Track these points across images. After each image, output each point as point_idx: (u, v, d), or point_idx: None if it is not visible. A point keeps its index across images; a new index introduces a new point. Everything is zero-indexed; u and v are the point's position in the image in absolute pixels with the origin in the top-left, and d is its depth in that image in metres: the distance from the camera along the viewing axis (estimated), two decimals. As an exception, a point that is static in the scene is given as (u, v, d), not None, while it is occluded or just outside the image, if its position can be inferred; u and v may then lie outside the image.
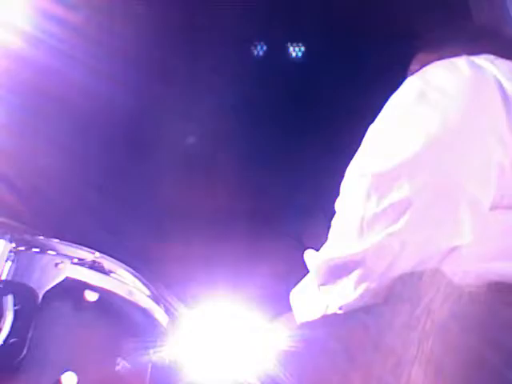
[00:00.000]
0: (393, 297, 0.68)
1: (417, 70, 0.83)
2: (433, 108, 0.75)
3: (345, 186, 0.80)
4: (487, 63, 0.78)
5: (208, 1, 1.84)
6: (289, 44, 1.97)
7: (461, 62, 0.79)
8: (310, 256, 0.83)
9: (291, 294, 0.86)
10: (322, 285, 0.76)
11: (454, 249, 0.68)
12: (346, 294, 0.72)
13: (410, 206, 0.69)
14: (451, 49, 0.85)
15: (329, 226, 0.81)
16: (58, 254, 0.77)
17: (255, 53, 1.98)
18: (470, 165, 0.72)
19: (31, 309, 0.71)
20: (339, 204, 0.80)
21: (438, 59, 0.82)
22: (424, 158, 0.72)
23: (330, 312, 0.74)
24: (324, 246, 0.80)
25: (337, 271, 0.73)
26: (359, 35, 1.74)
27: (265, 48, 1.98)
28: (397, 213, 0.70)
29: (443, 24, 1.05)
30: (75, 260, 0.77)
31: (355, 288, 0.71)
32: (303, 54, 1.97)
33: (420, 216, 0.70)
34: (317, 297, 0.77)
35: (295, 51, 1.97)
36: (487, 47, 0.83)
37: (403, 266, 0.69)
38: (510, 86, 0.75)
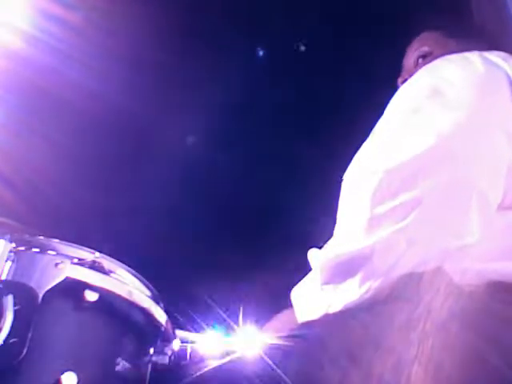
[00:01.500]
0: (394, 296, 0.68)
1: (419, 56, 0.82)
2: (445, 105, 0.74)
3: (351, 182, 0.79)
4: (499, 60, 0.78)
5: (208, 1, 1.84)
6: (289, 44, 1.96)
7: (474, 58, 0.78)
8: (314, 255, 0.83)
9: (292, 292, 0.86)
10: (326, 283, 0.75)
11: (462, 247, 0.68)
12: (350, 291, 0.71)
13: (421, 203, 0.69)
14: (465, 38, 0.85)
15: (332, 225, 0.80)
16: (58, 254, 0.77)
17: (255, 53, 1.98)
18: (481, 163, 0.71)
19: (31, 309, 0.71)
20: (345, 201, 0.79)
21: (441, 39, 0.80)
22: (435, 156, 0.71)
23: (332, 311, 0.73)
24: (329, 243, 0.79)
25: (342, 268, 0.73)
26: (360, 35, 1.74)
27: (265, 48, 1.98)
28: (407, 210, 0.69)
29: (445, 21, 1.04)
30: (75, 260, 0.77)
31: (360, 286, 0.70)
32: (303, 54, 1.96)
33: (429, 214, 0.69)
34: (319, 296, 0.77)
35: (295, 51, 1.97)
36: (489, 44, 0.83)
37: (409, 263, 0.68)
38: None
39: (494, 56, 0.78)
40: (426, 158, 0.71)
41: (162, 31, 1.78)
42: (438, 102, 0.74)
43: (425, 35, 1.07)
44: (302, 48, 1.94)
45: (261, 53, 1.98)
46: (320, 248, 0.81)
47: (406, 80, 0.85)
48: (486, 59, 0.77)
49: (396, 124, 0.78)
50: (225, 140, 1.86)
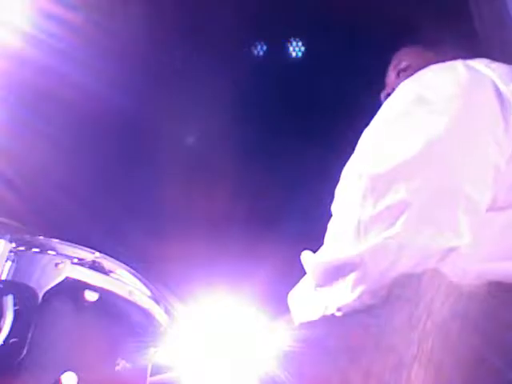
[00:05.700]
0: (393, 297, 0.68)
1: (406, 67, 0.84)
2: (430, 111, 0.75)
3: (341, 188, 0.80)
4: (482, 66, 0.79)
5: (207, 1, 1.84)
6: (289, 44, 1.97)
7: (458, 66, 0.79)
8: (306, 258, 0.83)
9: (289, 295, 0.86)
10: (320, 286, 0.76)
11: (452, 249, 0.68)
12: (344, 295, 0.71)
13: (407, 208, 0.69)
14: (445, 48, 0.86)
15: (327, 227, 0.80)
16: (58, 253, 0.77)
17: (255, 53, 1.98)
18: (468, 166, 0.72)
19: (31, 309, 0.71)
20: (335, 206, 0.80)
21: (431, 57, 0.83)
22: (421, 160, 0.72)
23: (328, 313, 0.73)
24: (321, 248, 0.80)
25: (334, 273, 0.73)
26: (359, 35, 1.74)
27: (265, 48, 1.99)
28: (394, 215, 0.70)
29: (441, 23, 1.05)
30: (75, 260, 0.77)
31: (352, 290, 0.70)
32: (303, 53, 1.97)
33: (417, 218, 0.69)
34: (315, 298, 0.77)
35: (295, 51, 1.97)
36: (480, 49, 0.84)
37: (401, 267, 0.68)
38: (506, 89, 0.75)
39: (477, 63, 0.80)
40: (411, 163, 0.72)
41: (164, 31, 1.78)
42: (424, 108, 0.75)
43: (403, 50, 1.11)
44: (302, 48, 1.94)
45: (261, 52, 1.98)
46: (315, 251, 0.81)
47: (389, 94, 0.86)
48: (469, 67, 0.79)
49: (382, 129, 0.79)
50: (225, 140, 1.86)
